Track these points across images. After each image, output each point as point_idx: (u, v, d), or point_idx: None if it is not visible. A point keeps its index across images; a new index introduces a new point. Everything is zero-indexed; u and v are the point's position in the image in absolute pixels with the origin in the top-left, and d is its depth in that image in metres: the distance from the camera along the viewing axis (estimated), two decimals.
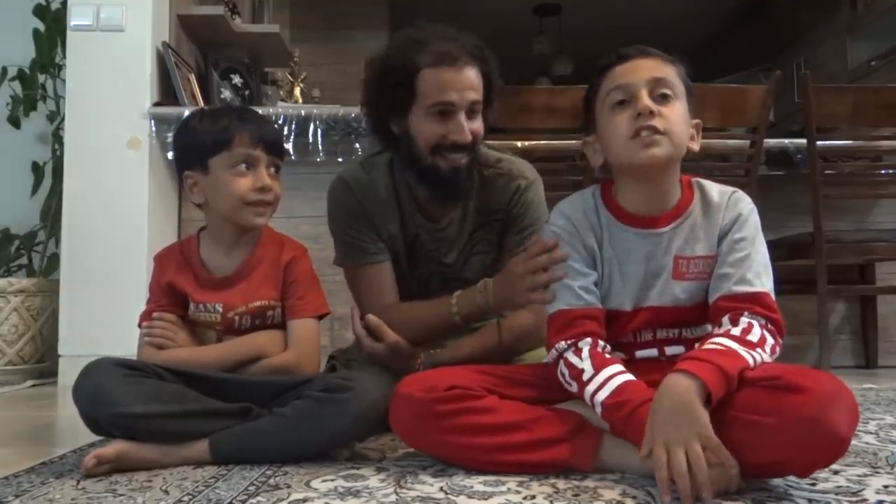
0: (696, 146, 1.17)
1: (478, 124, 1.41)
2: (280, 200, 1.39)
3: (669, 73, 1.13)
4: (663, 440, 0.93)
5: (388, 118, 1.44)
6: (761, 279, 1.10)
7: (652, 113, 1.09)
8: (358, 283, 1.52)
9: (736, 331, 1.05)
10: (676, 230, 1.15)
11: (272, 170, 1.37)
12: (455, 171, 1.40)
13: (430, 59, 1.36)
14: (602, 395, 1.05)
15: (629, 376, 1.06)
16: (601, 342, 1.13)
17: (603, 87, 1.16)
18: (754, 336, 1.05)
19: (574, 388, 1.11)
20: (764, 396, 0.97)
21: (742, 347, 1.02)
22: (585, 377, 1.08)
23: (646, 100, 1.10)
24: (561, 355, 1.13)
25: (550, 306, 1.18)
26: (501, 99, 1.48)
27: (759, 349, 1.03)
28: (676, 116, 1.11)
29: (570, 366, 1.11)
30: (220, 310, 1.36)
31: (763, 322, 1.07)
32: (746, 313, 1.07)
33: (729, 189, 1.19)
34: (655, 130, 1.09)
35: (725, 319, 1.08)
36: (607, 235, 1.18)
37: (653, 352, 1.17)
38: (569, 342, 1.12)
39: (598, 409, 1.06)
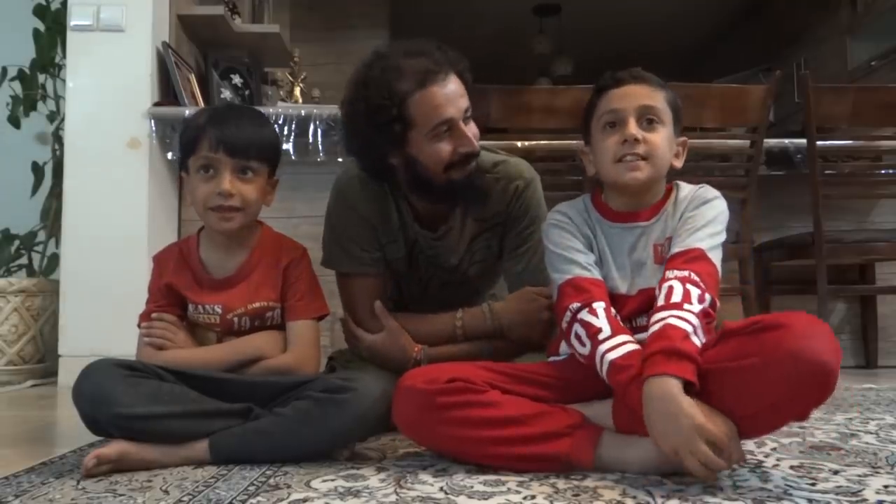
0: (679, 163, 1.27)
1: (474, 127, 1.39)
2: (254, 204, 1.34)
3: (658, 99, 1.22)
4: (671, 447, 0.98)
5: (386, 154, 1.38)
6: (700, 242, 1.17)
7: (637, 140, 1.19)
8: (351, 291, 1.50)
9: (661, 299, 1.11)
10: (654, 224, 1.24)
11: (248, 173, 1.33)
12: (470, 179, 1.39)
13: (414, 83, 1.30)
14: (613, 355, 1.09)
15: (639, 347, 1.10)
16: (613, 309, 1.17)
17: (598, 108, 1.25)
18: (677, 296, 1.10)
19: (587, 348, 1.13)
20: (746, 341, 1.03)
21: (671, 313, 1.07)
22: (602, 336, 1.12)
23: (632, 128, 1.20)
24: (575, 315, 1.16)
25: (558, 280, 1.23)
26: (476, 93, 1.44)
27: (686, 304, 1.08)
28: (660, 141, 1.21)
29: (586, 325, 1.14)
30: (220, 311, 1.36)
31: (684, 275, 1.12)
32: (668, 272, 1.14)
33: (700, 185, 1.27)
34: (639, 156, 1.19)
35: (656, 290, 1.15)
36: (599, 231, 1.26)
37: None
38: (582, 302, 1.16)
39: (606, 367, 1.09)
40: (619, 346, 1.10)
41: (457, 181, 1.37)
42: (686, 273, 1.12)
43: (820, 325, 0.99)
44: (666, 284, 1.12)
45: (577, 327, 1.15)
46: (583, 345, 1.14)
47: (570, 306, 1.17)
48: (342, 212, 1.48)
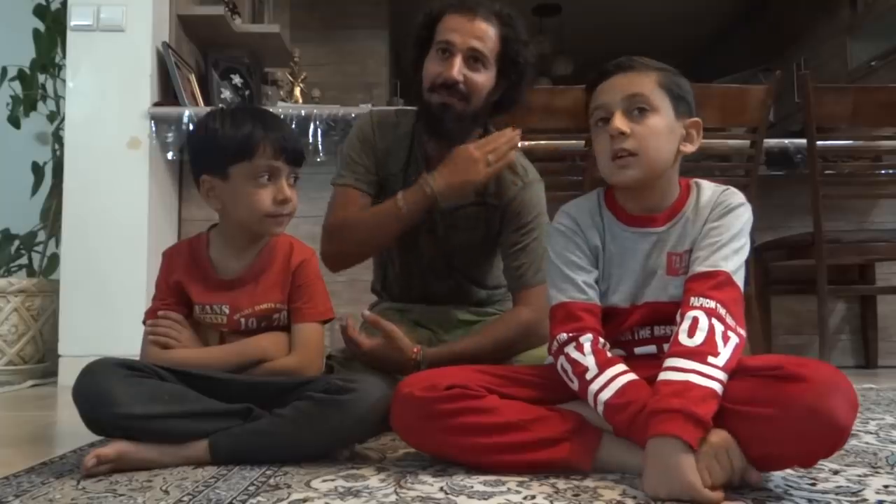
0: (690, 147, 1.19)
1: (478, 75, 1.46)
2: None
3: (647, 84, 1.15)
4: (655, 496, 0.95)
5: (418, 61, 1.52)
6: (727, 262, 1.11)
7: (623, 134, 1.12)
8: (335, 200, 1.58)
9: (683, 335, 1.04)
10: (671, 229, 1.18)
11: (291, 179, 1.35)
12: (443, 109, 1.46)
13: (452, 7, 1.47)
14: (606, 395, 1.06)
15: (632, 376, 1.07)
16: (601, 339, 1.14)
17: (590, 106, 1.20)
18: (701, 332, 1.03)
19: (576, 385, 1.11)
20: (763, 387, 0.99)
21: (695, 367, 1.00)
22: (589, 375, 1.09)
23: (617, 121, 1.13)
24: (562, 348, 1.14)
25: (553, 298, 1.20)
26: (524, 77, 1.52)
27: (710, 356, 1.01)
28: (650, 131, 1.13)
29: (572, 362, 1.11)
30: (227, 311, 1.35)
31: (710, 307, 1.06)
32: (693, 298, 1.08)
33: (723, 186, 1.21)
34: (628, 153, 1.13)
35: (678, 315, 1.09)
36: (609, 235, 1.21)
37: (651, 348, 1.18)
38: (570, 335, 1.13)
39: (601, 409, 1.07)
40: (609, 384, 1.06)
41: (431, 106, 1.48)
42: (713, 305, 1.06)
43: (840, 380, 0.96)
44: (690, 314, 1.06)
45: (562, 361, 1.13)
46: (570, 381, 1.12)
47: (558, 337, 1.15)
48: (353, 138, 1.60)
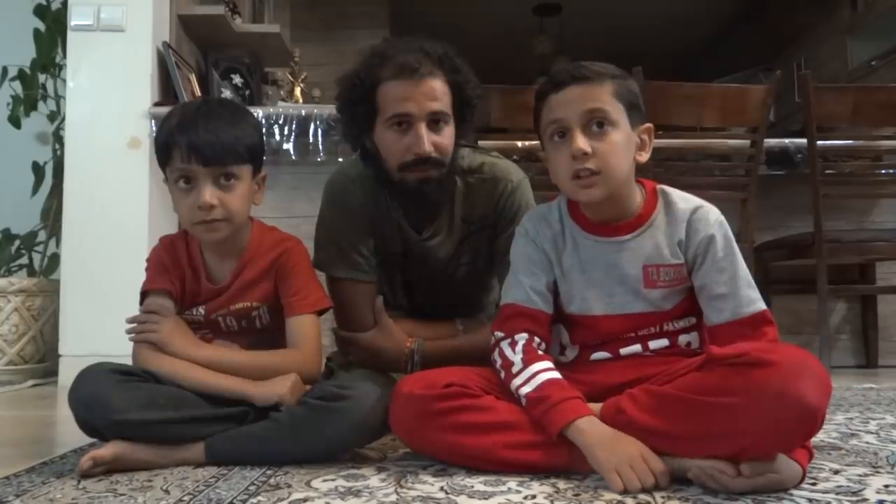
0: (644, 156, 1.18)
1: (444, 136, 1.35)
2: (240, 212, 1.27)
3: (604, 97, 1.12)
4: (613, 467, 1.00)
5: (360, 135, 1.41)
6: (752, 290, 1.14)
7: (586, 154, 1.11)
8: (342, 297, 1.45)
9: None
10: (639, 239, 1.18)
11: (230, 180, 1.25)
12: (423, 182, 1.35)
13: (390, 72, 1.32)
14: (526, 389, 1.12)
15: (554, 374, 1.13)
16: (537, 339, 1.18)
17: (543, 118, 1.18)
18: None
19: (502, 375, 1.17)
20: (731, 375, 0.98)
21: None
22: (514, 370, 1.15)
23: (579, 141, 1.11)
24: (497, 343, 1.20)
25: (502, 296, 1.26)
26: (476, 109, 1.42)
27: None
28: (612, 148, 1.12)
29: (503, 356, 1.18)
30: (203, 311, 1.33)
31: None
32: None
33: (693, 201, 1.19)
34: (591, 172, 1.12)
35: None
36: (571, 243, 1.21)
37: (636, 347, 1.18)
38: (506, 333, 1.19)
39: (523, 402, 1.12)
40: (531, 379, 1.12)
41: (408, 183, 1.36)
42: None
43: (808, 362, 0.96)
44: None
45: (496, 354, 1.19)
46: (499, 371, 1.18)
47: (496, 333, 1.21)
48: (338, 212, 1.45)
